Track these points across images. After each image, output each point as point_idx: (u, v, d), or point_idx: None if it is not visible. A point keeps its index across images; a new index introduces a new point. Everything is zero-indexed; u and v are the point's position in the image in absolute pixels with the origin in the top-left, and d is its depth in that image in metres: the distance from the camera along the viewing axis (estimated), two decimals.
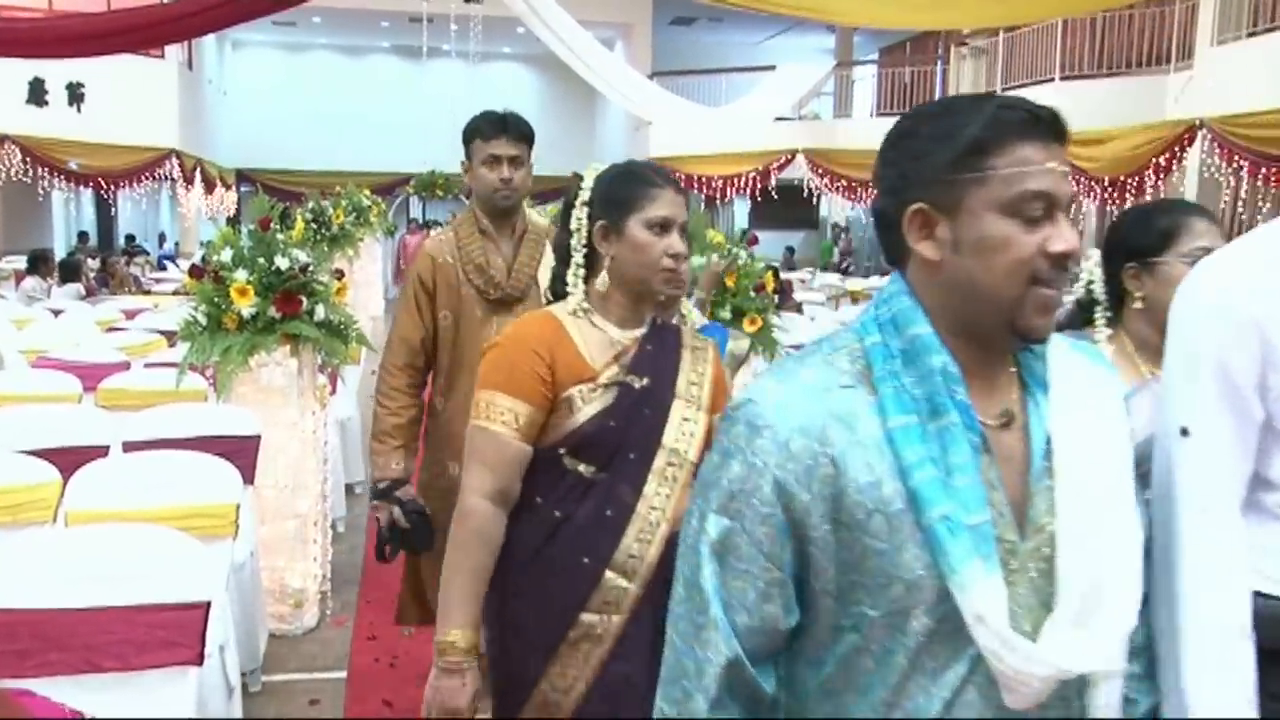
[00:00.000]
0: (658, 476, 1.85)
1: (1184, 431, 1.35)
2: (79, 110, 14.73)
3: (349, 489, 5.82)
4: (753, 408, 1.16)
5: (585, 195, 1.94)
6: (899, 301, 1.19)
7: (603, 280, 1.91)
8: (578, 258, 1.94)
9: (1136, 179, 11.77)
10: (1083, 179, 12.55)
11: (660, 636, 1.24)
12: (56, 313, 8.34)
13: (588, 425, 1.84)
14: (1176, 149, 11.36)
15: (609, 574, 1.82)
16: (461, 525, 1.85)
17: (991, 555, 1.10)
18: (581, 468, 1.85)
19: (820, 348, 1.22)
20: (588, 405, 1.85)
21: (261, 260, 3.88)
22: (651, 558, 1.82)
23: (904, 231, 1.18)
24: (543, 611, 1.85)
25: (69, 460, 3.40)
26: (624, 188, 1.91)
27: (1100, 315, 1.97)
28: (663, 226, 1.87)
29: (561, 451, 1.86)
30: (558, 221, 2.06)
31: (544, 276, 2.73)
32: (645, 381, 1.87)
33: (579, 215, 1.93)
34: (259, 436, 3.82)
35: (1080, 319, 2.04)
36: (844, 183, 16.95)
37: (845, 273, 16.65)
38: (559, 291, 1.99)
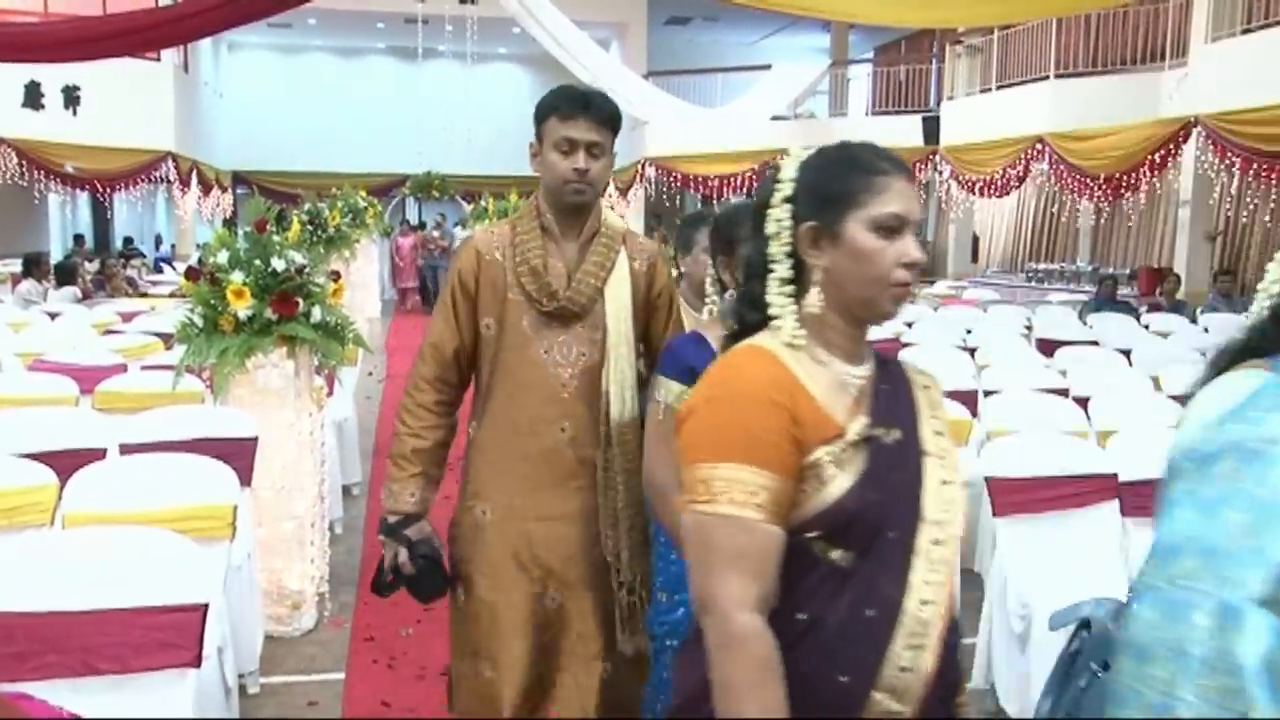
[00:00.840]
0: (924, 560, 1.41)
1: None
2: (75, 113, 14.72)
3: (346, 490, 5.83)
4: None
5: (786, 189, 1.48)
6: None
7: (814, 299, 1.45)
8: (782, 270, 1.47)
9: (1132, 176, 11.79)
10: (1077, 177, 12.57)
11: None
12: (53, 316, 8.34)
13: (848, 500, 1.38)
14: (1171, 146, 11.39)
15: (876, 695, 1.37)
16: (739, 660, 1.32)
17: None
18: (835, 555, 1.39)
19: None
20: (842, 472, 1.39)
21: (258, 262, 3.89)
22: (926, 669, 1.38)
23: None
24: None
25: (66, 463, 3.40)
26: (839, 178, 1.46)
27: None
28: (892, 228, 1.42)
29: (810, 536, 1.39)
30: (748, 225, 1.59)
31: (616, 293, 2.39)
32: (897, 434, 1.46)
33: (778, 216, 1.48)
34: (256, 438, 3.82)
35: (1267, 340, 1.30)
36: None
37: None
38: (748, 318, 1.52)
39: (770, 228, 1.49)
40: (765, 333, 1.48)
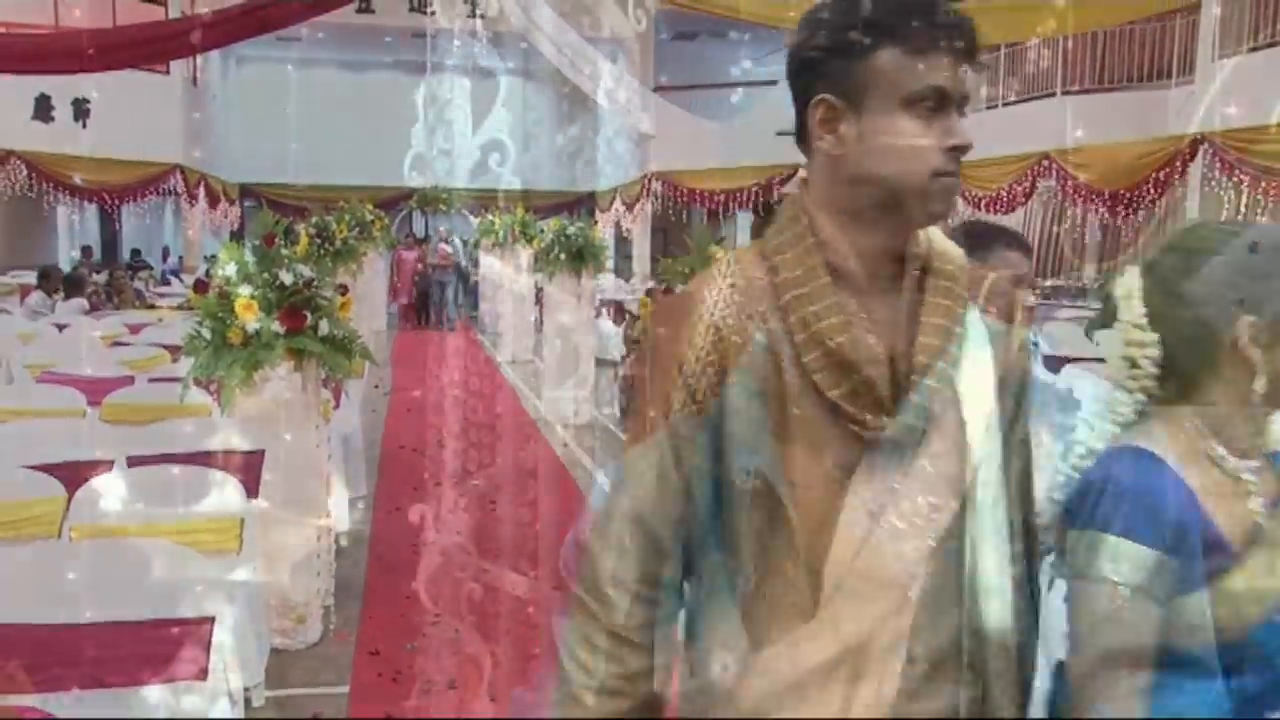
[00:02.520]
0: None
1: None
2: (84, 126, 14.79)
3: (352, 503, 5.82)
4: None
5: None
6: None
7: None
8: None
9: (1139, 193, 11.80)
10: (1085, 193, 12.57)
11: None
12: (61, 327, 8.36)
13: None
14: (1178, 163, 11.39)
15: None
16: None
17: None
18: None
19: None
20: None
21: (266, 275, 3.90)
22: None
23: None
24: None
25: (73, 475, 3.41)
26: None
27: None
28: None
29: None
30: None
31: (974, 384, 1.20)
32: None
33: None
34: (263, 451, 3.83)
35: None
36: None
37: None
38: None
39: None
40: None
